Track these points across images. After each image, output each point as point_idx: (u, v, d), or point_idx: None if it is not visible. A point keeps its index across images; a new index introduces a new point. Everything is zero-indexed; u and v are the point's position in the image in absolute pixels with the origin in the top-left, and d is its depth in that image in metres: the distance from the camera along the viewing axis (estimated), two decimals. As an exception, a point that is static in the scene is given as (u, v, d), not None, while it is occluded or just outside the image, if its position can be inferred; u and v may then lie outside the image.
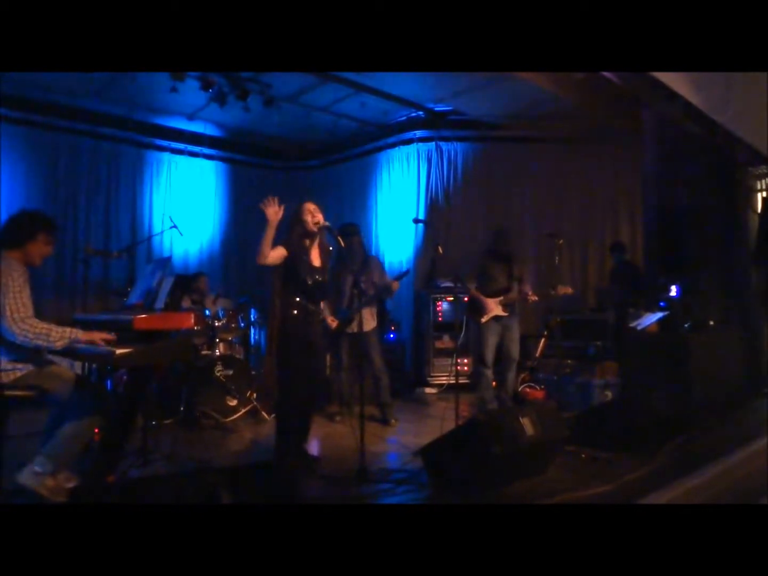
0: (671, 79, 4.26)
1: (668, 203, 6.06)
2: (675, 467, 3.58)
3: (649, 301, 5.84)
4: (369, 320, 5.15)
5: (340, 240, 3.75)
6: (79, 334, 2.82)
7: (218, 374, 5.21)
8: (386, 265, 7.84)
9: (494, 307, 5.05)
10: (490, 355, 5.11)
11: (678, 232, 5.95)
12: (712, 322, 5.92)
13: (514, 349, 5.15)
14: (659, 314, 5.34)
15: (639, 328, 5.21)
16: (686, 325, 5.49)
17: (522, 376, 5.99)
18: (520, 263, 5.31)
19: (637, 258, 7.09)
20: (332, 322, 5.10)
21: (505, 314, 5.08)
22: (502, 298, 5.07)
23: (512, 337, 5.14)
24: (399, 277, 5.40)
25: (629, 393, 4.99)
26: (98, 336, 2.84)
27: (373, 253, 8.05)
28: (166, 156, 8.08)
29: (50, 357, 2.97)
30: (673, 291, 5.81)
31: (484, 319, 5.05)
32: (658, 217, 6.16)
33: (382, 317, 6.80)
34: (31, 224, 3.02)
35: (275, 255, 3.58)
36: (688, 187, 5.93)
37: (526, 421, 3.29)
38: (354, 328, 5.02)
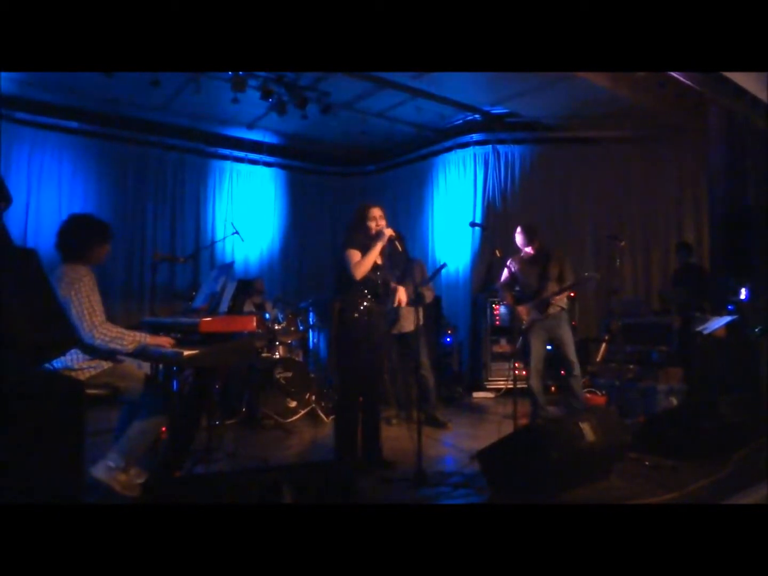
0: (738, 75, 4.12)
1: (735, 203, 5.84)
2: (744, 476, 3.45)
3: (716, 305, 5.63)
4: (407, 323, 5.13)
5: (397, 245, 3.76)
6: (148, 339, 3.05)
7: (278, 377, 5.33)
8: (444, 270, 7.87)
9: (525, 313, 4.86)
10: (536, 362, 4.90)
11: (746, 232, 5.72)
12: (784, 326, 5.66)
13: (568, 351, 4.84)
14: (727, 318, 5.14)
15: (705, 332, 5.04)
16: (756, 329, 5.26)
17: (582, 381, 5.87)
18: (558, 261, 4.92)
19: (704, 260, 6.85)
20: None
21: (543, 317, 4.82)
22: (533, 301, 4.86)
23: (562, 339, 4.83)
24: (435, 273, 5.52)
25: (695, 399, 4.83)
26: (164, 340, 3.08)
27: (430, 257, 8.09)
28: (228, 164, 8.36)
29: (121, 357, 3.12)
30: (743, 294, 5.59)
31: (523, 326, 4.89)
32: (726, 217, 5.94)
33: (436, 320, 6.82)
34: (89, 229, 3.17)
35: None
36: (756, 186, 5.69)
37: (585, 427, 3.24)
38: (398, 329, 5.17)
